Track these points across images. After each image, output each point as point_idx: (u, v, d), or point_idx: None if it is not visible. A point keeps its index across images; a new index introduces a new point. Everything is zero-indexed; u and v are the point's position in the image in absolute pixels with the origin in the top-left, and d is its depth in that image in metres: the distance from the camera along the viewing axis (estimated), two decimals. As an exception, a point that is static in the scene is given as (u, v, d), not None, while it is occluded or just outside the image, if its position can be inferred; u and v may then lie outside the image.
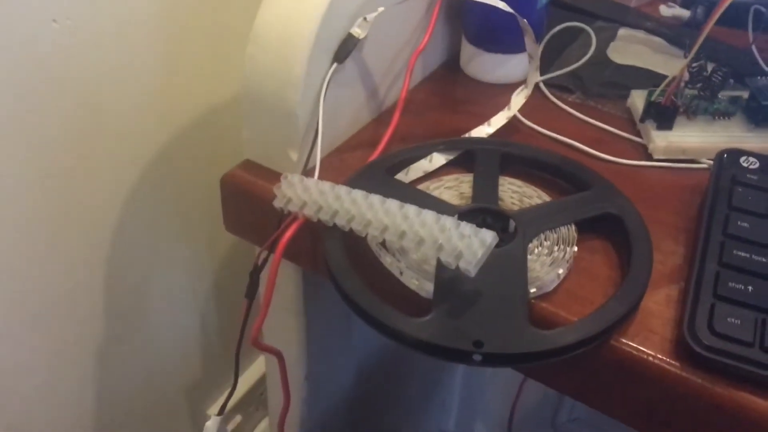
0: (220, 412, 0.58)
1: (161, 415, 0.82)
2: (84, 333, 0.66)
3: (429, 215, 0.39)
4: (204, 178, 0.71)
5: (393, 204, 0.41)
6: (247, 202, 0.50)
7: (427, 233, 0.39)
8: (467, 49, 0.61)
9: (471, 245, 0.37)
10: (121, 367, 0.73)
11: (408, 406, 0.90)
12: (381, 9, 0.48)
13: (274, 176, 0.47)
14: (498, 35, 0.58)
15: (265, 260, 0.47)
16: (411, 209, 0.40)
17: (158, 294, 0.74)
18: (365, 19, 0.47)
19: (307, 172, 0.49)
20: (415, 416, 0.94)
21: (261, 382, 0.93)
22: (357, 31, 0.47)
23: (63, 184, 0.56)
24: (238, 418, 0.92)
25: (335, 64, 0.47)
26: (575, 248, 0.43)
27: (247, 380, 0.93)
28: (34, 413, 0.65)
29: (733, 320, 0.37)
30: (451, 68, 0.63)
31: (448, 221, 0.39)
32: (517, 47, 0.56)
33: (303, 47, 0.44)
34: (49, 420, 0.67)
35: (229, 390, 0.55)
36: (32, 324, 0.61)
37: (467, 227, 0.38)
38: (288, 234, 0.44)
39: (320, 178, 0.47)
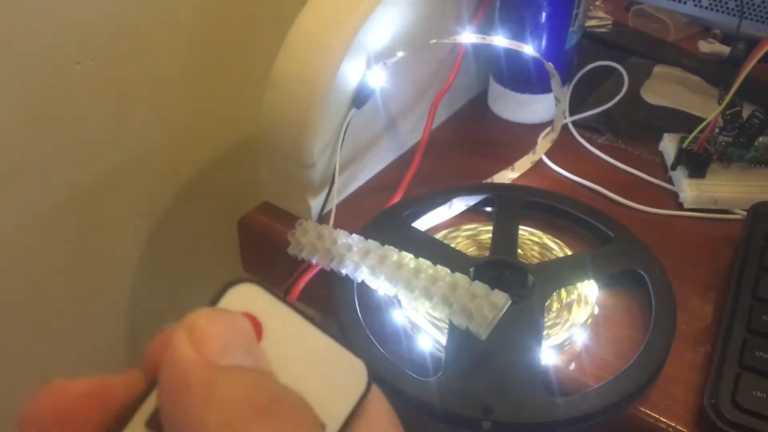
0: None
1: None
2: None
3: (442, 271, 0.38)
4: (227, 216, 0.71)
5: (406, 257, 0.40)
6: (264, 246, 0.49)
7: (438, 291, 0.37)
8: (494, 88, 0.59)
9: (482, 307, 0.36)
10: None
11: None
12: (401, 54, 0.47)
13: (291, 220, 0.46)
14: (525, 76, 0.57)
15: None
16: (424, 264, 0.39)
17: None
18: (385, 63, 0.46)
19: (325, 216, 0.48)
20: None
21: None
22: (376, 76, 0.46)
23: (84, 222, 0.57)
24: None
25: (354, 110, 0.46)
26: (596, 307, 0.41)
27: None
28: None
29: (758, 393, 0.35)
30: (478, 105, 0.61)
31: (461, 279, 0.37)
32: (546, 87, 0.55)
33: (320, 94, 0.44)
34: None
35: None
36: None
37: (480, 287, 0.37)
38: (301, 282, 0.44)
39: (337, 223, 0.46)
